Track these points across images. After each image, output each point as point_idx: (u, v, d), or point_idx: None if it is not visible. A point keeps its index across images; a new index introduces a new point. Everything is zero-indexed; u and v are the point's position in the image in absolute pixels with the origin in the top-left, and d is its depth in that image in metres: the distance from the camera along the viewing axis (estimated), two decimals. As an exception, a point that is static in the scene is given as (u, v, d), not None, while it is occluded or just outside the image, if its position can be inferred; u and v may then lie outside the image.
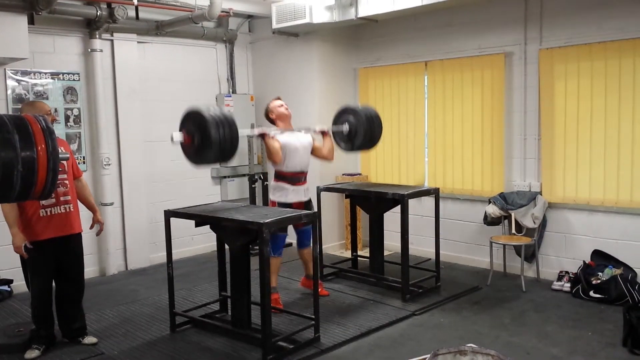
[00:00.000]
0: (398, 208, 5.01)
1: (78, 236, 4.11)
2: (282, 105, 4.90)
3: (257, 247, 4.49)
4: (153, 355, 3.99)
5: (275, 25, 6.32)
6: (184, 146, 3.83)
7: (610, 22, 4.97)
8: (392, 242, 6.01)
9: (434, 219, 5.30)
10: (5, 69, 5.34)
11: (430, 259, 5.78)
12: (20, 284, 4.84)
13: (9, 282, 5.30)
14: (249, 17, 7.09)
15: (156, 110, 6.31)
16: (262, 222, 3.71)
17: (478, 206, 5.89)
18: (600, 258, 5.10)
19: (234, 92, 7.09)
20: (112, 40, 5.99)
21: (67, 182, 3.99)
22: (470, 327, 4.37)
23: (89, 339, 4.16)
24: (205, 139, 3.63)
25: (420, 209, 6.23)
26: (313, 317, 4.14)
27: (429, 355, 2.46)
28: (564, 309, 4.70)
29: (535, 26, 5.42)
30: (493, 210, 5.53)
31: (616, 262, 4.98)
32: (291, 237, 5.27)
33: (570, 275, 5.18)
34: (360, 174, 6.94)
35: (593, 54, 5.09)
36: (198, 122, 3.68)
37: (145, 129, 6.29)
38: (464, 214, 6.09)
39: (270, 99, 5.09)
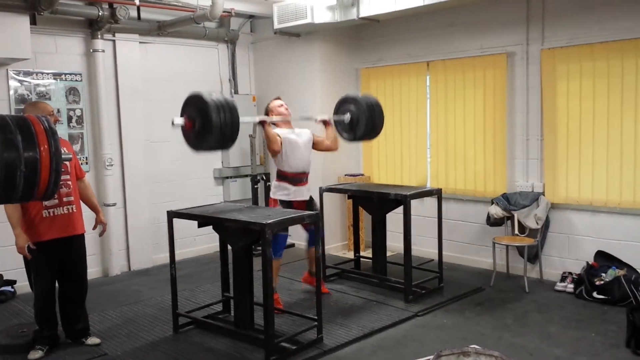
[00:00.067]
0: (400, 209, 5.00)
1: (81, 237, 4.11)
2: (282, 105, 4.90)
3: (259, 248, 4.49)
4: (156, 356, 3.99)
5: (276, 26, 6.32)
6: (185, 131, 3.82)
7: (612, 22, 4.96)
8: (394, 243, 6.01)
9: (436, 219, 5.30)
10: (7, 70, 5.35)
11: (432, 260, 5.77)
12: (23, 285, 4.84)
13: (12, 282, 5.31)
14: (251, 17, 7.09)
15: (158, 110, 6.31)
16: (264, 222, 3.71)
17: (480, 207, 5.89)
18: (604, 259, 5.08)
19: (235, 92, 7.09)
20: (114, 41, 5.99)
21: (69, 182, 3.99)
22: (473, 328, 4.37)
23: (92, 340, 4.17)
24: (206, 122, 3.63)
25: (422, 209, 6.22)
26: (316, 317, 4.14)
27: (432, 357, 2.46)
28: (567, 310, 4.69)
29: (538, 26, 5.42)
30: (496, 211, 5.52)
31: (619, 263, 4.97)
32: (292, 238, 5.27)
33: (574, 276, 5.17)
34: (362, 175, 6.94)
35: (595, 54, 5.08)
36: (199, 106, 3.68)
37: (147, 129, 6.30)
38: (467, 215, 6.08)
39: (272, 99, 5.09)
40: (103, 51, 5.85)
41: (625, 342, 3.93)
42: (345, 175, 6.84)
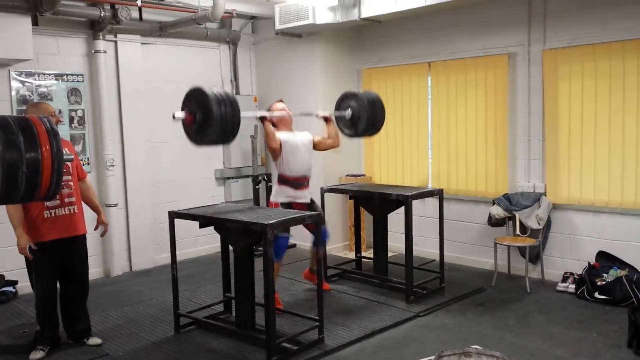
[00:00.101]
0: (402, 209, 5.00)
1: (82, 237, 4.11)
2: (284, 109, 4.90)
3: (260, 248, 4.49)
4: (157, 356, 3.99)
5: (278, 26, 6.33)
6: (186, 125, 3.82)
7: (614, 23, 4.95)
8: (396, 243, 6.00)
9: (437, 220, 5.30)
10: (9, 70, 5.36)
11: (434, 260, 5.77)
12: (25, 285, 4.86)
13: (13, 283, 5.32)
14: (252, 18, 7.09)
15: (160, 111, 6.31)
16: (265, 223, 3.71)
17: (482, 207, 5.88)
18: (605, 259, 5.07)
19: (237, 93, 7.10)
20: (115, 42, 6.00)
21: (71, 183, 3.99)
22: (474, 329, 4.36)
23: (94, 340, 4.17)
24: (207, 115, 3.63)
25: (424, 210, 6.22)
26: (317, 318, 4.14)
27: (433, 357, 2.46)
28: (569, 310, 4.69)
29: (539, 27, 5.42)
30: (497, 211, 5.52)
31: (621, 263, 4.96)
32: (293, 239, 5.27)
33: (575, 276, 5.16)
34: (364, 175, 6.94)
35: (597, 54, 5.07)
36: (200, 100, 3.68)
37: (149, 130, 6.31)
38: (468, 215, 6.08)
39: (274, 99, 5.10)
40: (105, 52, 5.86)
41: (627, 343, 3.93)
42: (347, 175, 6.85)
